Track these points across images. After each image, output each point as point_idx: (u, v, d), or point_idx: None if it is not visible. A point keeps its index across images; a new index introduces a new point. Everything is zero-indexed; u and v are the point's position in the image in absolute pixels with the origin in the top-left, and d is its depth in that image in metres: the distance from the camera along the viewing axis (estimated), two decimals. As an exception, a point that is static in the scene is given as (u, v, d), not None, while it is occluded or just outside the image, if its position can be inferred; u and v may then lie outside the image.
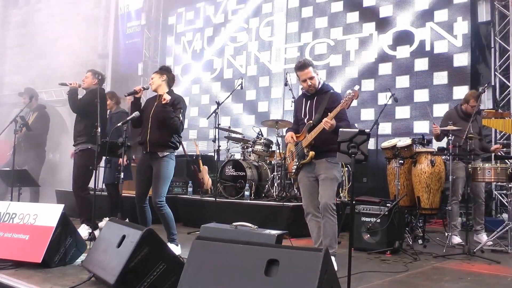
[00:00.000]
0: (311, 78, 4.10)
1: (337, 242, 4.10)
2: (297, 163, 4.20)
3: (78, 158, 5.39)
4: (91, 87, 5.50)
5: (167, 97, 4.40)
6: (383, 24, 8.31)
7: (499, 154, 6.36)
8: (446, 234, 5.37)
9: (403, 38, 8.09)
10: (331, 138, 3.98)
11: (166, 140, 4.47)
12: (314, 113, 4.12)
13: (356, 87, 3.90)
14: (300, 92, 4.49)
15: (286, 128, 4.57)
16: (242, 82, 7.22)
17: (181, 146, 4.77)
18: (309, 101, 4.21)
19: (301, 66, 4.12)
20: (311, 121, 4.08)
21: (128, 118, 4.61)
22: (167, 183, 4.48)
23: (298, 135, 4.21)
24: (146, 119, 4.53)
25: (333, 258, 4.02)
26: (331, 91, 4.19)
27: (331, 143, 4.01)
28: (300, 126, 4.27)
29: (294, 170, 4.28)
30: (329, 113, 3.88)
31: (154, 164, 4.47)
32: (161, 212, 4.42)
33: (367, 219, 4.96)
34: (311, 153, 4.05)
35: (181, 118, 4.44)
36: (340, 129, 3.17)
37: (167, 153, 4.47)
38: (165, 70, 4.72)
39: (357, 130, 3.04)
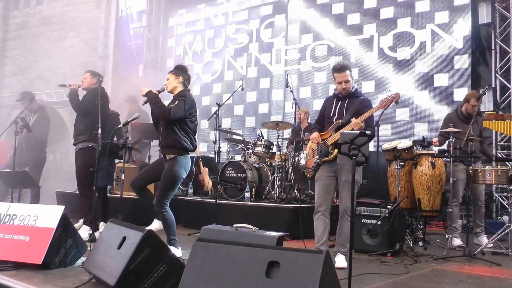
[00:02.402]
0: (347, 81, 4.23)
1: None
2: (318, 160, 4.26)
3: (80, 157, 5.34)
4: (91, 87, 5.50)
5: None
6: (383, 26, 8.32)
7: (500, 156, 6.36)
8: (447, 236, 5.36)
9: (404, 39, 8.09)
10: None
11: (172, 142, 4.35)
12: (344, 114, 4.23)
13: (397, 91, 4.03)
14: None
15: (312, 127, 4.59)
16: (242, 83, 7.22)
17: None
18: (340, 102, 4.32)
19: (340, 68, 4.23)
20: (340, 121, 4.18)
21: (129, 120, 4.61)
22: (170, 186, 4.35)
23: (323, 133, 4.30)
24: (160, 123, 4.48)
25: (343, 257, 4.14)
26: (362, 97, 4.34)
27: None
28: (325, 125, 4.36)
29: (313, 167, 4.32)
30: (357, 117, 4.02)
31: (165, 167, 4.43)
32: (161, 214, 4.37)
33: (368, 221, 4.95)
34: (336, 151, 4.11)
35: (177, 109, 4.29)
36: (341, 131, 3.20)
37: (174, 156, 4.34)
38: (180, 71, 4.60)
39: (358, 132, 3.04)
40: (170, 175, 4.33)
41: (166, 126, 4.38)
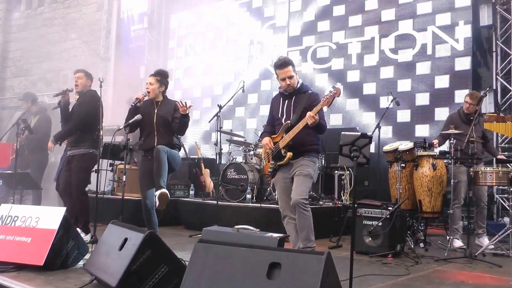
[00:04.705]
0: (290, 77, 4.03)
1: (314, 234, 3.99)
2: (274, 165, 4.12)
3: (79, 161, 5.24)
4: (86, 89, 5.38)
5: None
6: (385, 28, 8.33)
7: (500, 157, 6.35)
8: (448, 237, 5.36)
9: (405, 41, 8.10)
10: (309, 138, 3.98)
11: (172, 144, 4.68)
12: (292, 113, 4.04)
13: (338, 85, 3.86)
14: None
15: (262, 132, 4.48)
16: (243, 85, 7.21)
17: (182, 149, 4.81)
18: (287, 101, 4.14)
19: (281, 64, 4.03)
20: (289, 121, 4.01)
21: (130, 121, 4.60)
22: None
23: (275, 136, 4.15)
24: (149, 125, 4.60)
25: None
26: (310, 91, 4.13)
27: (308, 144, 4.00)
28: (276, 127, 4.20)
29: (270, 172, 4.20)
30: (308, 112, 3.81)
31: None
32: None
33: (369, 223, 4.95)
34: (289, 154, 3.98)
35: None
36: (342, 133, 3.21)
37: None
38: (164, 78, 4.76)
39: (359, 133, 3.05)
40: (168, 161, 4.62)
41: (164, 131, 4.65)
